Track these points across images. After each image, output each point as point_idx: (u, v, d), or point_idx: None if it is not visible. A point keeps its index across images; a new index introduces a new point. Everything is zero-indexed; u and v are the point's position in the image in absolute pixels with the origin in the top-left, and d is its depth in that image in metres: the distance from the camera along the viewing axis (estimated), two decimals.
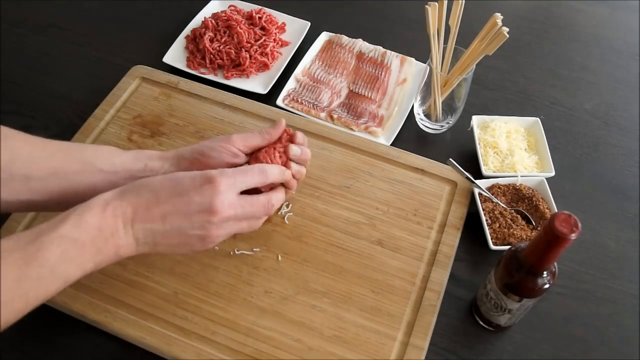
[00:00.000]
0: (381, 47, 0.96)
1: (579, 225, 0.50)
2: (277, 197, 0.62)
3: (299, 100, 0.89)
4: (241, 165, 0.64)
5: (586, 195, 0.82)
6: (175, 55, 0.94)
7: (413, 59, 0.95)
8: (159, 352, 0.63)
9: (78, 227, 0.50)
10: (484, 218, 0.74)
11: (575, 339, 0.69)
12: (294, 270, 0.69)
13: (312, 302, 0.67)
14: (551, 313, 0.70)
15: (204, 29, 0.95)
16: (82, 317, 0.65)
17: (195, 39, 0.96)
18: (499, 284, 0.61)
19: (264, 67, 0.93)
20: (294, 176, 0.66)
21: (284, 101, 0.89)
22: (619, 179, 0.84)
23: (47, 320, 0.66)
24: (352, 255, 0.70)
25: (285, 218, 0.73)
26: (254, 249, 0.70)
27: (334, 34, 0.98)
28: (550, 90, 0.95)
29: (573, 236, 0.50)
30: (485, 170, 0.80)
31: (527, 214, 0.75)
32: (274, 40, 0.95)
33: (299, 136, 0.67)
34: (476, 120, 0.84)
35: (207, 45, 0.93)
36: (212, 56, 0.92)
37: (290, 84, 0.91)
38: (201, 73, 0.92)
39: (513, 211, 0.75)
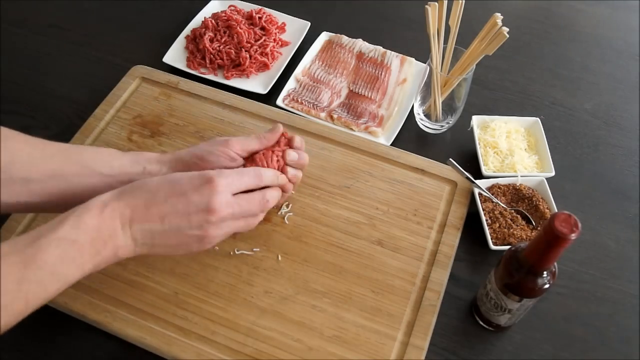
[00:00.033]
0: (381, 47, 0.96)
1: (579, 225, 0.50)
2: (272, 194, 0.63)
3: (299, 100, 0.89)
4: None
5: (586, 195, 0.82)
6: (175, 55, 0.94)
7: (413, 59, 0.95)
8: (158, 352, 0.63)
9: (77, 228, 0.50)
10: (484, 218, 0.74)
11: (575, 339, 0.69)
12: (294, 270, 0.69)
13: (312, 302, 0.67)
14: (551, 313, 0.70)
15: (204, 29, 0.95)
16: (82, 317, 0.65)
17: (195, 39, 0.96)
18: (499, 284, 0.61)
19: (264, 67, 0.93)
20: (290, 180, 0.67)
21: (284, 101, 0.89)
22: (619, 179, 0.84)
23: (47, 320, 0.66)
24: (352, 255, 0.70)
25: (285, 218, 0.73)
26: (254, 249, 0.70)
27: (334, 34, 0.98)
28: (550, 90, 0.95)
29: (573, 236, 0.50)
30: (485, 170, 0.80)
31: (527, 214, 0.75)
32: (274, 40, 0.95)
33: (297, 140, 0.68)
34: (476, 120, 0.84)
35: (207, 45, 0.93)
36: (212, 56, 0.92)
37: (290, 84, 0.91)
38: (201, 73, 0.92)
39: (513, 211, 0.75)
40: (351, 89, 0.93)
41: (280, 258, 0.70)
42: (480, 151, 0.81)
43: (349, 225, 0.73)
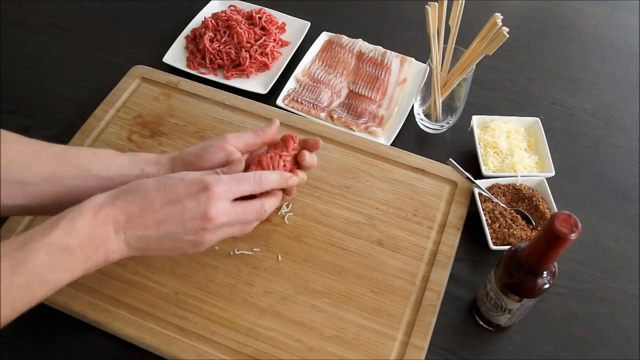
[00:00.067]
0: (381, 47, 0.96)
1: (579, 225, 0.50)
2: (270, 203, 0.62)
3: (299, 100, 0.89)
4: (238, 163, 0.63)
5: (586, 195, 0.82)
6: (175, 55, 0.94)
7: (413, 59, 0.95)
8: (158, 352, 0.63)
9: (68, 233, 0.50)
10: (484, 218, 0.74)
11: (575, 339, 0.69)
12: (294, 270, 0.69)
13: (312, 302, 0.67)
14: (551, 313, 0.70)
15: (204, 29, 0.95)
16: (82, 317, 0.65)
17: (195, 39, 0.96)
18: (499, 284, 0.61)
19: (264, 67, 0.93)
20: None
21: (284, 101, 0.89)
22: (619, 179, 0.84)
23: (47, 320, 0.66)
24: (352, 255, 0.70)
25: (285, 218, 0.73)
26: (254, 249, 0.70)
27: (334, 34, 0.98)
28: (550, 90, 0.95)
29: (573, 236, 0.50)
30: (485, 170, 0.80)
31: (527, 214, 0.75)
32: (274, 40, 0.95)
33: (321, 144, 0.68)
34: (476, 120, 0.84)
35: (207, 45, 0.93)
36: (212, 56, 0.92)
37: (290, 84, 0.91)
38: (201, 73, 0.92)
39: (513, 211, 0.75)
40: (351, 89, 0.93)
41: (280, 258, 0.70)
42: (480, 151, 0.81)
43: (349, 225, 0.73)
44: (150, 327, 0.64)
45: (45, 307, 0.66)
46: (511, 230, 0.73)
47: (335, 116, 0.88)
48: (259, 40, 0.95)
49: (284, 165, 0.65)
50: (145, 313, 0.65)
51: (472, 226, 0.76)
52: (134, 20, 1.03)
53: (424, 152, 0.81)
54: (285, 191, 0.66)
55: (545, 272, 0.58)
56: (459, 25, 0.77)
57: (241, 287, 0.67)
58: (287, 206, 0.74)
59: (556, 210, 0.73)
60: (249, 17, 0.98)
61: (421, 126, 0.88)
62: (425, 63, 0.92)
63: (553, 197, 0.75)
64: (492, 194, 0.77)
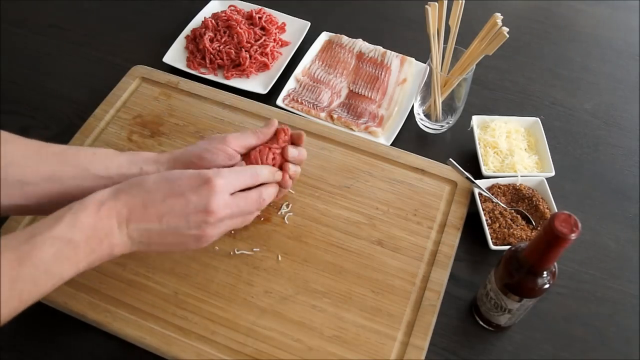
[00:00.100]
0: (381, 47, 0.96)
1: (579, 225, 0.50)
2: (268, 192, 0.63)
3: (299, 100, 0.89)
4: (239, 166, 0.64)
5: (586, 195, 0.82)
6: (175, 55, 0.94)
7: (413, 59, 0.95)
8: (158, 352, 0.63)
9: (72, 227, 0.50)
10: (484, 218, 0.74)
11: (575, 339, 0.69)
12: (294, 270, 0.69)
13: (312, 302, 0.67)
14: (551, 313, 0.70)
15: (204, 29, 0.95)
16: (82, 317, 0.65)
17: (195, 39, 0.96)
18: (499, 284, 0.61)
19: (264, 67, 0.93)
20: (290, 176, 0.67)
21: (284, 101, 0.89)
22: (619, 179, 0.84)
23: (47, 320, 0.66)
24: (352, 255, 0.70)
25: (285, 218, 0.73)
26: (254, 249, 0.70)
27: (334, 34, 0.98)
28: (550, 90, 0.95)
29: (573, 236, 0.50)
30: (485, 170, 0.80)
31: (527, 214, 0.75)
32: (274, 40, 0.95)
33: (304, 138, 0.68)
34: (476, 120, 0.84)
35: (207, 45, 0.93)
36: (212, 56, 0.92)
37: (290, 84, 0.91)
38: (201, 73, 0.92)
39: (513, 211, 0.75)
40: (351, 89, 0.93)
41: (280, 258, 0.70)
42: (480, 151, 0.81)
43: (349, 225, 0.73)
44: (150, 327, 0.64)
45: (45, 307, 0.66)
46: (511, 230, 0.73)
47: (335, 116, 0.88)
48: (259, 40, 0.95)
49: (273, 158, 0.66)
50: (145, 313, 0.65)
51: (472, 226, 0.76)
52: (134, 20, 1.03)
53: (424, 152, 0.81)
54: (280, 183, 0.66)
55: (545, 272, 0.58)
56: (459, 25, 0.77)
57: (241, 287, 0.67)
58: (287, 206, 0.74)
59: (556, 210, 0.73)
60: (249, 17, 0.98)
61: (421, 126, 0.88)
62: (425, 63, 0.92)
63: (553, 197, 0.75)
64: (492, 194, 0.77)
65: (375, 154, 0.80)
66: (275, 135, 0.67)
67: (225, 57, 0.92)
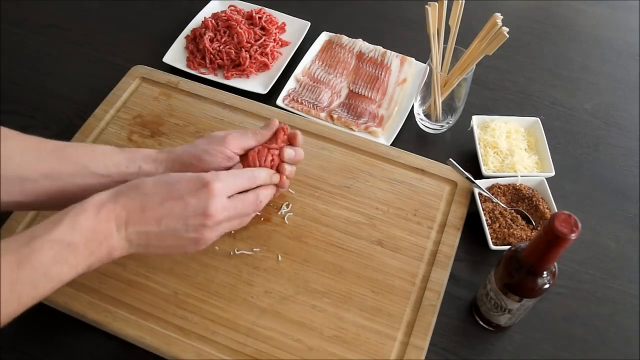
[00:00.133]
0: (381, 47, 0.96)
1: (579, 225, 0.50)
2: (265, 194, 0.63)
3: (299, 100, 0.89)
4: (237, 169, 0.64)
5: (586, 195, 0.82)
6: (175, 55, 0.94)
7: (413, 59, 0.95)
8: (158, 352, 0.63)
9: (72, 229, 0.50)
10: (484, 218, 0.74)
11: (575, 339, 0.69)
12: (294, 270, 0.69)
13: (312, 302, 0.67)
14: (551, 313, 0.70)
15: (204, 29, 0.95)
16: (82, 317, 0.65)
17: (195, 39, 0.96)
18: (499, 284, 0.61)
19: (264, 67, 0.93)
20: (286, 176, 0.67)
21: (284, 101, 0.89)
22: (619, 179, 0.84)
23: (47, 320, 0.66)
24: (352, 255, 0.70)
25: (285, 218, 0.73)
26: (254, 249, 0.70)
27: (334, 34, 0.98)
28: (550, 90, 0.95)
29: (573, 236, 0.50)
30: (485, 170, 0.80)
31: (527, 214, 0.75)
32: (274, 40, 0.95)
33: (300, 138, 0.68)
34: (476, 120, 0.84)
35: (207, 45, 0.93)
36: (212, 56, 0.92)
37: (290, 84, 0.91)
38: (201, 73, 0.92)
39: (513, 211, 0.75)
40: (351, 89, 0.93)
41: (280, 258, 0.70)
42: (480, 151, 0.81)
43: (349, 225, 0.73)
44: (150, 327, 0.64)
45: (45, 307, 0.66)
46: (511, 230, 0.73)
47: (335, 116, 0.88)
48: (259, 40, 0.95)
49: (272, 160, 0.66)
50: (145, 313, 0.65)
51: (472, 226, 0.76)
52: (134, 20, 1.03)
53: (424, 152, 0.81)
54: (277, 185, 0.67)
55: (545, 272, 0.58)
56: (459, 25, 0.77)
57: (241, 287, 0.67)
58: (287, 206, 0.74)
59: (556, 210, 0.73)
60: (249, 17, 0.98)
61: (421, 126, 0.88)
62: (425, 63, 0.92)
63: (553, 197, 0.75)
64: (492, 194, 0.77)
65: (375, 154, 0.80)
66: (275, 134, 0.67)
67: (225, 57, 0.92)
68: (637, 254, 0.76)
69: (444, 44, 0.78)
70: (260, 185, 0.63)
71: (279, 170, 0.66)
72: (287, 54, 0.95)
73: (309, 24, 0.99)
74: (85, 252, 0.51)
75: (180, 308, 0.66)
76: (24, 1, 1.04)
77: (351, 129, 0.86)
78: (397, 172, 0.78)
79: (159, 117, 0.83)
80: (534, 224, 0.74)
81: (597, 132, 0.90)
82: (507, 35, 0.71)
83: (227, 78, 0.91)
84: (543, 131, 0.83)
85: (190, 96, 0.86)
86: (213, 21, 0.96)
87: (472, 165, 0.81)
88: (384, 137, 0.86)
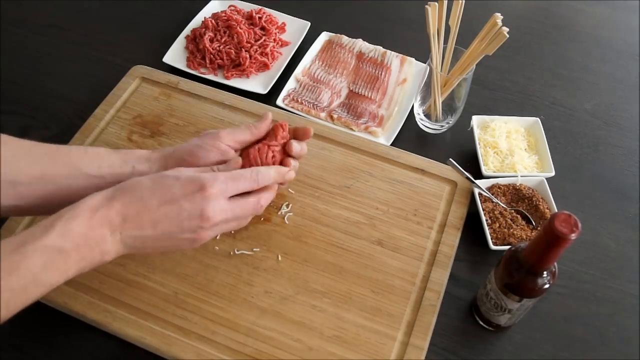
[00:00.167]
0: (381, 47, 0.96)
1: (579, 225, 0.50)
2: (266, 197, 0.61)
3: (299, 100, 0.89)
4: (234, 162, 0.63)
5: (586, 195, 0.82)
6: (175, 55, 0.94)
7: (413, 59, 0.95)
8: (158, 352, 0.63)
9: (63, 236, 0.49)
10: (484, 218, 0.74)
11: (575, 339, 0.69)
12: (294, 270, 0.69)
13: (312, 302, 0.67)
14: (551, 313, 0.70)
15: (204, 29, 0.95)
16: (82, 317, 0.65)
17: (195, 39, 0.96)
18: (499, 284, 0.61)
19: (264, 67, 0.93)
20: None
21: (284, 101, 0.89)
22: (619, 179, 0.84)
23: (47, 320, 0.66)
24: (352, 255, 0.70)
25: (285, 218, 0.73)
26: (254, 249, 0.70)
27: (334, 34, 0.98)
28: (550, 90, 0.95)
29: (573, 236, 0.50)
30: (485, 170, 0.80)
31: (527, 214, 0.75)
32: (274, 40, 0.95)
33: (311, 133, 0.67)
34: (476, 120, 0.84)
35: (207, 45, 0.93)
36: (212, 56, 0.92)
37: (290, 84, 0.91)
38: (201, 73, 0.92)
39: (513, 211, 0.75)
40: (351, 89, 0.93)
41: (280, 258, 0.70)
42: (480, 151, 0.81)
43: (349, 225, 0.73)
44: (150, 327, 0.64)
45: (45, 307, 0.66)
46: (511, 230, 0.73)
47: (335, 116, 0.88)
48: (259, 40, 0.95)
49: (273, 156, 0.64)
50: (145, 313, 0.65)
51: (472, 226, 0.75)
52: (134, 20, 1.03)
53: (424, 152, 0.81)
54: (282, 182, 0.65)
55: (545, 272, 0.58)
56: (459, 25, 0.77)
57: (241, 287, 0.67)
58: (287, 206, 0.74)
59: (556, 210, 0.73)
60: (249, 17, 0.98)
61: (421, 126, 0.88)
62: (425, 63, 0.92)
63: (553, 197, 0.75)
64: (492, 194, 0.77)
65: (375, 154, 0.80)
66: (273, 132, 0.66)
67: (225, 57, 0.92)
68: (637, 254, 0.76)
69: (444, 44, 0.78)
70: (264, 187, 0.62)
71: (283, 164, 0.65)
72: (287, 54, 0.95)
73: (309, 24, 0.99)
74: (77, 257, 0.50)
75: (180, 308, 0.66)
76: (24, 1, 1.04)
77: (351, 129, 0.86)
78: (397, 172, 0.78)
79: (159, 117, 0.83)
80: (534, 224, 0.74)
81: (597, 132, 0.90)
82: (507, 35, 0.71)
83: (227, 78, 0.91)
84: (543, 131, 0.83)
85: (190, 96, 0.86)
86: (213, 21, 0.96)
87: (472, 165, 0.81)
88: (384, 137, 0.86)
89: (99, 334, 0.65)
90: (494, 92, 0.94)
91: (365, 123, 0.87)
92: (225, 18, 0.96)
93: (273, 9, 1.00)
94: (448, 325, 0.69)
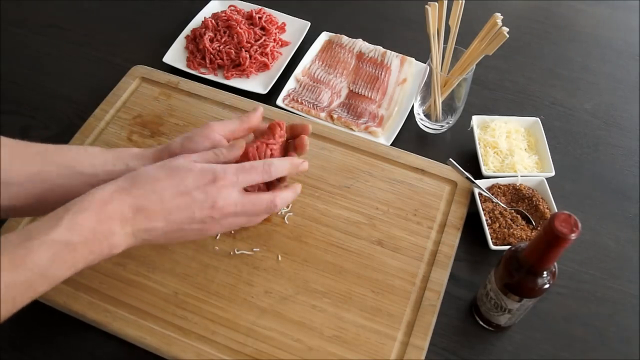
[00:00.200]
0: (381, 47, 0.96)
1: (579, 225, 0.50)
2: (283, 197, 0.60)
3: (299, 100, 0.89)
4: (237, 145, 0.62)
5: (586, 195, 0.82)
6: (175, 55, 0.94)
7: (413, 59, 0.95)
8: (158, 352, 0.63)
9: (71, 230, 0.49)
10: (484, 218, 0.74)
11: (575, 339, 0.69)
12: (294, 270, 0.69)
13: (312, 302, 0.67)
14: (551, 313, 0.70)
15: (204, 29, 0.95)
16: (82, 317, 0.65)
17: (195, 39, 0.96)
18: (499, 284, 0.61)
19: (264, 67, 0.93)
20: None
21: (284, 101, 0.89)
22: (619, 179, 0.84)
23: (46, 320, 0.66)
24: (352, 255, 0.70)
25: (285, 218, 0.73)
26: (254, 249, 0.70)
27: (334, 34, 0.98)
28: (550, 90, 0.95)
29: (573, 236, 0.50)
30: (485, 170, 0.80)
31: (527, 214, 0.75)
32: (274, 40, 0.95)
33: (310, 128, 0.67)
34: (476, 120, 0.84)
35: (207, 45, 0.93)
36: (212, 56, 0.92)
37: (290, 84, 0.91)
38: (201, 73, 0.92)
39: (513, 211, 0.75)
40: (351, 89, 0.93)
41: (280, 258, 0.70)
42: (480, 151, 0.81)
43: (349, 225, 0.73)
44: (150, 327, 0.64)
45: (45, 307, 0.66)
46: (511, 230, 0.73)
47: (335, 116, 0.88)
48: (259, 40, 0.95)
49: (271, 155, 0.64)
50: (145, 313, 0.65)
51: (472, 226, 0.75)
52: (134, 20, 1.03)
53: (424, 152, 0.81)
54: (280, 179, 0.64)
55: (545, 272, 0.58)
56: (459, 25, 0.77)
57: (241, 287, 0.67)
58: (287, 206, 0.74)
59: (556, 210, 0.73)
60: (249, 17, 0.98)
61: (421, 126, 0.88)
62: (425, 63, 0.92)
63: (553, 197, 0.75)
64: (492, 194, 0.77)
65: (375, 154, 0.80)
66: (271, 130, 0.65)
67: (225, 57, 0.92)
68: (637, 254, 0.76)
69: (444, 44, 0.78)
70: (279, 187, 0.61)
71: None
72: (287, 54, 0.95)
73: (309, 24, 0.99)
74: (85, 251, 0.50)
75: (180, 308, 0.66)
76: (24, 1, 1.04)
77: (351, 129, 0.86)
78: (397, 172, 0.78)
79: (159, 117, 0.83)
80: (534, 224, 0.74)
81: (597, 132, 0.90)
82: (507, 35, 0.71)
83: (227, 78, 0.91)
84: (543, 131, 0.83)
85: (190, 96, 0.86)
86: (213, 21, 0.96)
87: (472, 165, 0.81)
88: (384, 137, 0.86)
89: (99, 334, 0.65)
90: (494, 92, 0.94)
91: (365, 123, 0.87)
92: (225, 18, 0.96)
93: (273, 9, 1.00)
94: (448, 325, 0.69)
